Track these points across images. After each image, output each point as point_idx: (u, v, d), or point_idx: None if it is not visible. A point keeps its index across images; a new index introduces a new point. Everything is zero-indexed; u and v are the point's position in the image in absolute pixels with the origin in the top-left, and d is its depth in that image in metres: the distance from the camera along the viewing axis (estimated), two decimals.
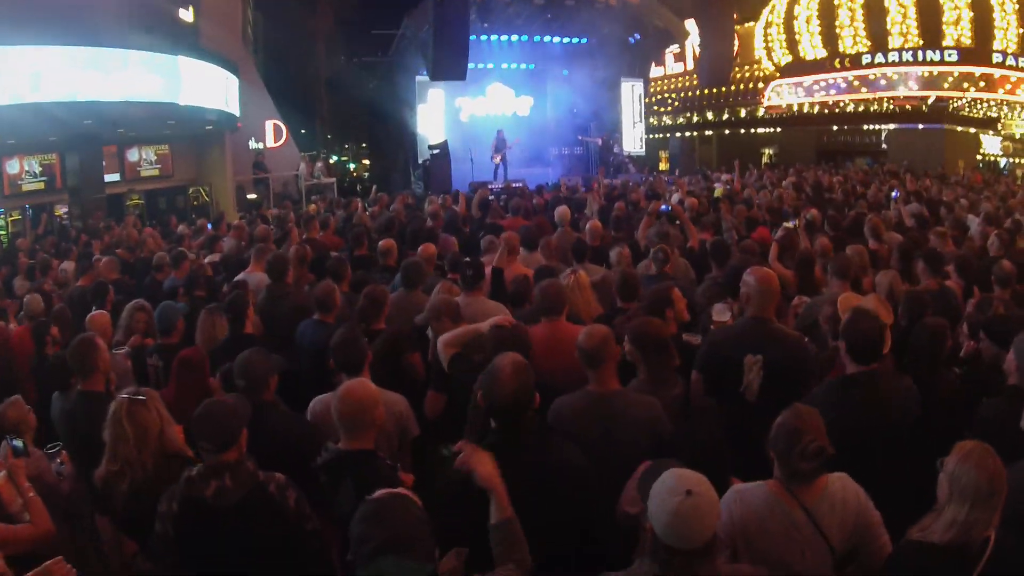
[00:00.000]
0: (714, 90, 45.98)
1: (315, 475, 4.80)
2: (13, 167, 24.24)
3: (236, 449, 4.51)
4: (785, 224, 10.57)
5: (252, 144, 32.09)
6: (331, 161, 50.40)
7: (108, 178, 25.34)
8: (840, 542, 4.03)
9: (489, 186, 24.62)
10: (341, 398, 4.77)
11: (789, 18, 40.50)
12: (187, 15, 27.24)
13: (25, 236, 20.03)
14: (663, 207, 13.28)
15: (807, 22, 39.41)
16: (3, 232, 23.59)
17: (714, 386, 6.15)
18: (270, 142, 32.76)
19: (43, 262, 13.44)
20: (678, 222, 12.15)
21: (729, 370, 6.00)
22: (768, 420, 4.20)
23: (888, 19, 36.73)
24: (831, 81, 39.66)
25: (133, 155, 27.67)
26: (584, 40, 37.73)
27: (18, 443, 5.41)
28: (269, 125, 32.95)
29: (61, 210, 24.91)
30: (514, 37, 36.92)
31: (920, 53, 36.83)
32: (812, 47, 39.74)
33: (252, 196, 28.90)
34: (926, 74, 36.98)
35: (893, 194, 16.89)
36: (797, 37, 40.22)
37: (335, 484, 4.59)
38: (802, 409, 4.15)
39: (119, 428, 4.91)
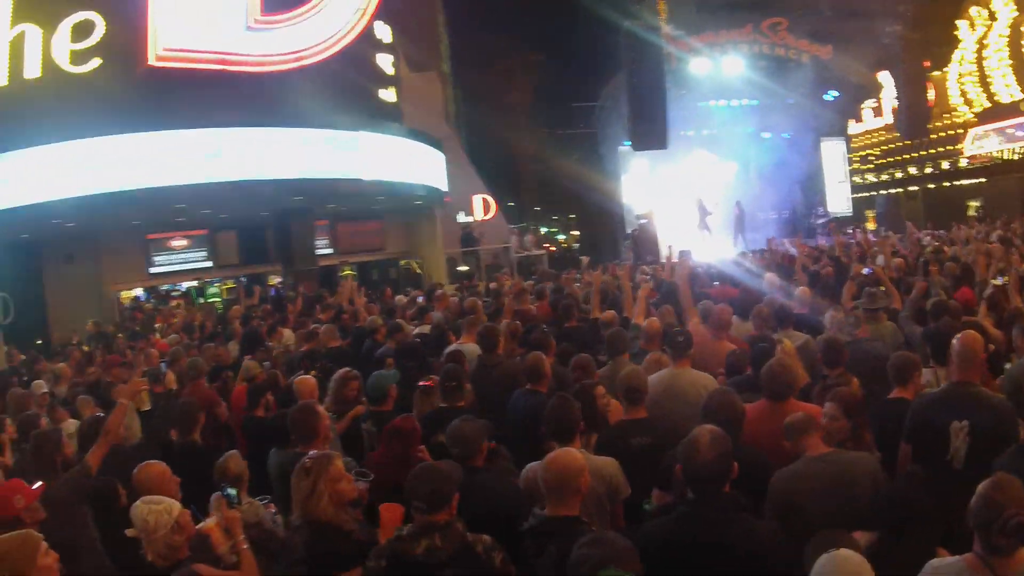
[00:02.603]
0: (914, 142, 44.73)
1: (521, 538, 4.95)
2: (228, 241, 25.59)
3: (447, 511, 4.72)
4: (993, 282, 10.15)
5: (461, 217, 32.76)
6: (541, 232, 50.99)
7: (321, 251, 26.28)
8: None
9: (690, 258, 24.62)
10: (547, 467, 4.90)
11: (980, 60, 39.20)
12: (389, 96, 28.15)
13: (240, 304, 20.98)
14: (865, 270, 12.98)
15: (999, 62, 38.03)
16: (218, 300, 24.79)
17: (920, 453, 6.06)
18: (479, 215, 33.32)
19: (253, 332, 14.06)
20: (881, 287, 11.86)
21: (935, 437, 5.92)
22: (975, 488, 4.07)
23: None
24: None
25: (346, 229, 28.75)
26: (780, 101, 37.43)
27: (231, 491, 5.68)
28: (478, 199, 33.56)
29: (275, 280, 26.03)
30: (712, 103, 36.92)
31: None
32: (1005, 87, 38.25)
33: (463, 268, 29.46)
34: None
35: None
36: (990, 80, 38.83)
37: (539, 549, 4.71)
38: (1003, 479, 4.02)
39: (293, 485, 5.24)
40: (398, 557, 4.62)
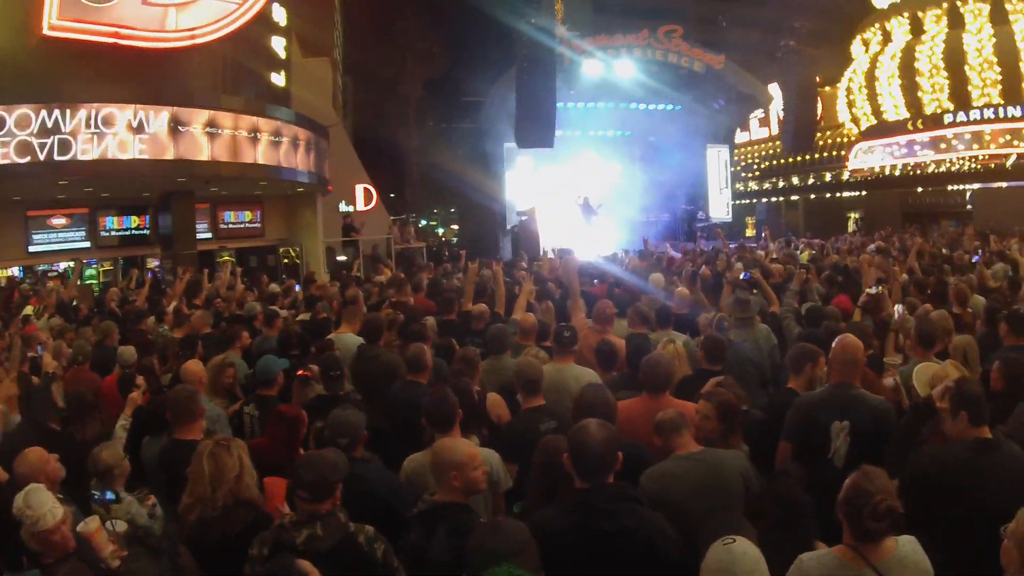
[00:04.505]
0: (799, 158, 45.77)
1: (403, 530, 4.93)
2: (109, 222, 25.06)
3: (331, 500, 4.68)
4: (868, 290, 10.46)
5: (343, 207, 32.50)
6: (420, 225, 50.85)
7: (201, 235, 25.93)
8: None
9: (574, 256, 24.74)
10: (436, 452, 4.97)
11: (871, 79, 40.22)
12: (279, 79, 27.85)
13: (116, 286, 20.51)
14: (743, 275, 13.25)
15: (888, 82, 39.10)
16: (95, 282, 24.25)
17: (801, 453, 6.22)
18: (360, 205, 33.08)
19: (135, 312, 13.80)
20: (756, 291, 12.13)
21: (817, 436, 6.08)
22: None
23: (969, 76, 36.44)
24: (914, 142, 39.24)
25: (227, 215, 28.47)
26: (669, 107, 37.93)
27: (109, 495, 5.58)
28: (360, 189, 33.30)
29: (153, 263, 25.56)
30: (600, 104, 37.23)
31: (1002, 110, 36.39)
32: (895, 108, 39.35)
33: (342, 258, 29.23)
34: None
35: (975, 258, 16.63)
36: (879, 99, 39.88)
37: (428, 533, 4.70)
38: (870, 470, 4.16)
39: (199, 466, 5.11)
40: (280, 546, 4.55)
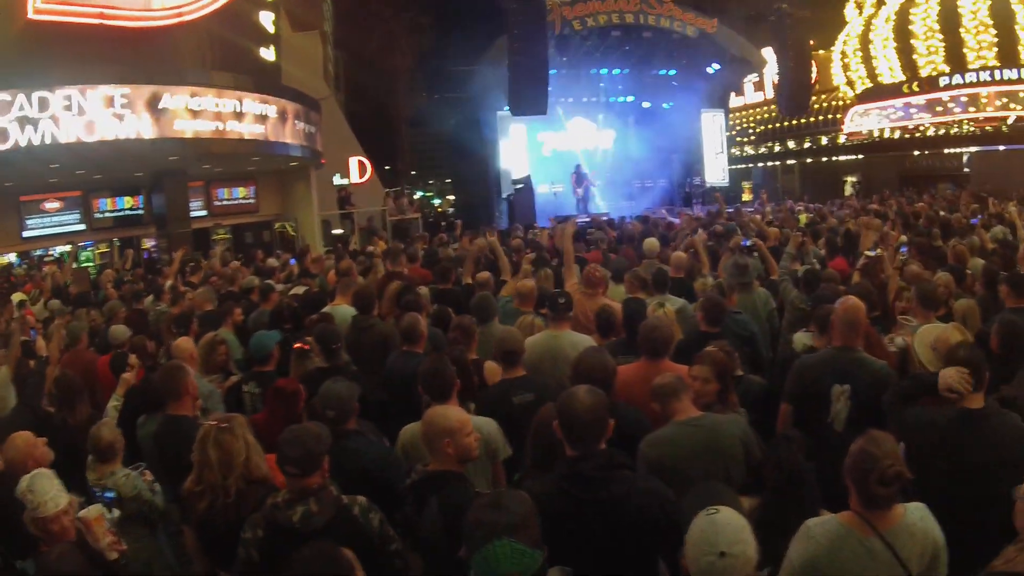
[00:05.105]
0: (795, 121, 45.62)
1: (397, 500, 4.93)
2: (103, 204, 24.95)
3: (320, 474, 4.60)
4: (867, 253, 10.38)
5: (337, 180, 32.39)
6: (415, 196, 50.80)
7: (195, 213, 25.82)
8: (919, 571, 3.94)
9: (576, 220, 24.67)
10: (428, 422, 4.88)
11: (865, 42, 40.03)
12: (268, 54, 27.66)
13: (112, 268, 20.41)
14: (743, 241, 13.16)
15: (883, 45, 38.90)
16: (91, 264, 24.15)
17: (801, 416, 6.19)
18: (355, 178, 32.99)
19: (133, 293, 13.74)
20: (756, 253, 12.05)
21: (817, 399, 6.05)
22: None
23: (965, 38, 36.15)
24: (910, 105, 39.11)
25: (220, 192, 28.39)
26: (663, 72, 37.82)
27: (110, 494, 5.58)
28: (354, 161, 33.21)
29: (148, 243, 25.48)
30: (593, 71, 37.11)
31: (998, 72, 36.21)
32: (890, 71, 39.16)
33: (338, 231, 29.16)
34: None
35: (975, 220, 16.53)
36: (874, 62, 39.71)
37: (421, 504, 4.67)
38: (877, 435, 4.08)
39: (204, 454, 5.00)
40: (274, 526, 4.49)
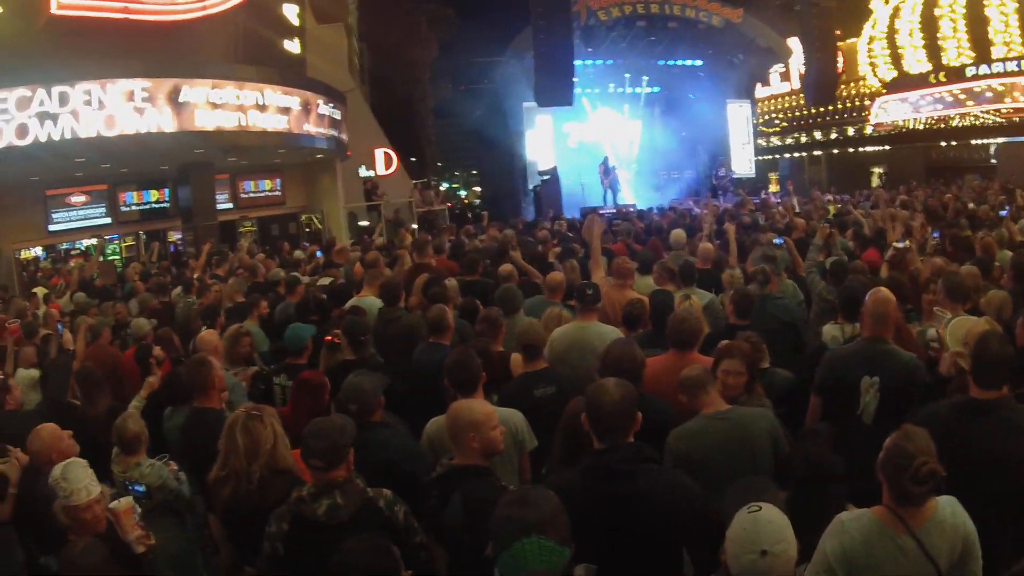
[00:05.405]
0: (821, 109, 45.36)
1: (421, 492, 4.90)
2: (129, 197, 25.05)
3: (345, 467, 4.56)
4: (895, 245, 10.27)
5: (363, 172, 32.39)
6: (442, 188, 50.82)
7: (221, 205, 25.90)
8: (948, 567, 3.88)
9: (600, 211, 24.57)
10: (453, 415, 4.83)
11: (891, 32, 39.45)
12: (293, 47, 27.70)
13: (138, 261, 20.49)
14: (776, 239, 12.99)
15: (910, 35, 38.45)
16: (117, 258, 24.24)
17: (830, 408, 6.15)
18: (381, 170, 32.97)
19: (159, 286, 13.77)
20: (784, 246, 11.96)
21: (846, 391, 5.98)
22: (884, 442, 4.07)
23: (991, 28, 35.70)
24: (936, 95, 38.72)
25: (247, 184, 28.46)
26: (689, 62, 37.72)
27: (140, 488, 5.59)
28: (380, 153, 33.17)
29: (175, 236, 25.57)
30: (619, 61, 37.05)
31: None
32: (916, 61, 38.70)
33: (364, 223, 29.18)
34: None
35: (1003, 212, 16.35)
36: (900, 51, 39.19)
37: (444, 498, 4.64)
38: (912, 430, 3.99)
39: (232, 439, 5.01)
40: (300, 519, 4.47)
